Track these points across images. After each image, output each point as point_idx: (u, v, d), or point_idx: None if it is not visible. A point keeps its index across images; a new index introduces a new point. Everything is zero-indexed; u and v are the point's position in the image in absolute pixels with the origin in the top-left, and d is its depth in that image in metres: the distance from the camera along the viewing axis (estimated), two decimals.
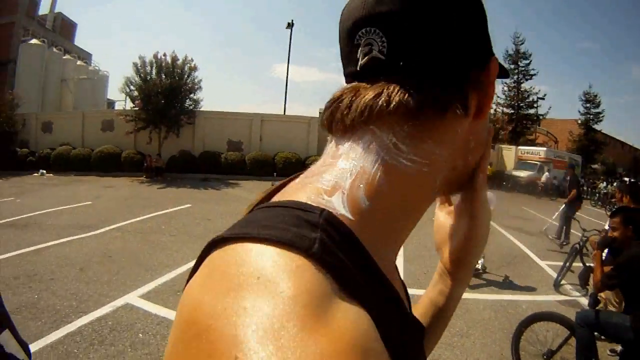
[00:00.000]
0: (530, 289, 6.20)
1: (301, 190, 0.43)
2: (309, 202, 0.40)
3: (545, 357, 3.75)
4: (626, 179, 27.36)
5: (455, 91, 0.46)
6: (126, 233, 8.27)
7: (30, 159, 20.61)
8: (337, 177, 0.42)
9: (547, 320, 3.84)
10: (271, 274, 0.32)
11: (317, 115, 22.62)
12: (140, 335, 4.18)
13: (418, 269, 6.79)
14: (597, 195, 19.77)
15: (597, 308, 3.53)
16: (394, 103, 0.42)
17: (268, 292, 0.30)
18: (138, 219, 9.83)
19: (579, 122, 37.63)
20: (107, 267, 6.16)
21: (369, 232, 0.41)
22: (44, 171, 19.28)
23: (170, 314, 4.62)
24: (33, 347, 3.76)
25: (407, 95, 0.42)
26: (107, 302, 4.88)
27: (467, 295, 5.67)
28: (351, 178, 0.42)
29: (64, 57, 30.93)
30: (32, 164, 20.17)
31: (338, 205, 0.40)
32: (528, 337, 3.87)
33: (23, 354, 0.83)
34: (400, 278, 0.57)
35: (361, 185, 0.42)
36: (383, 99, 0.43)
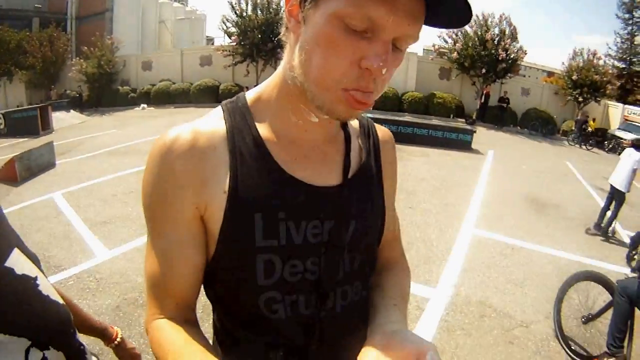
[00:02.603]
0: (603, 255, 5.69)
1: None
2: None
3: (583, 320, 3.57)
4: None
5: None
6: None
7: (131, 95, 22.15)
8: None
9: (592, 281, 3.60)
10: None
11: (416, 52, 21.65)
12: None
13: (492, 213, 6.73)
14: None
15: None
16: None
17: None
18: None
19: None
20: None
21: (256, 105, 0.73)
22: (145, 105, 20.76)
23: None
24: (120, 250, 4.39)
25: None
26: None
27: (532, 246, 5.52)
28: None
29: (160, 1, 31.95)
30: (133, 100, 21.76)
31: (249, 91, 0.76)
32: (572, 296, 3.70)
33: (35, 269, 0.80)
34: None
35: (263, 83, 0.74)
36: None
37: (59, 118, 16.41)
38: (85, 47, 22.23)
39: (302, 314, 0.70)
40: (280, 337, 0.71)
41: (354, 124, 0.83)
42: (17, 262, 0.75)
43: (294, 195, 0.67)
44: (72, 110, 19.83)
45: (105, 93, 22.43)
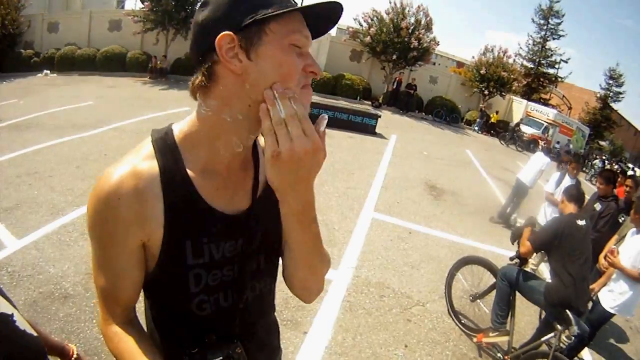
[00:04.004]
0: (495, 240, 6.39)
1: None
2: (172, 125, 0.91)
3: (471, 298, 4.08)
4: (631, 165, 26.46)
5: (203, 69, 0.80)
6: (123, 133, 8.62)
7: (34, 59, 20.31)
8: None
9: (478, 265, 4.10)
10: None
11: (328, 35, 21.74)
12: None
13: (392, 197, 7.22)
14: (593, 171, 19.26)
15: (522, 267, 3.64)
16: (195, 84, 0.83)
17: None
18: (136, 119, 10.11)
19: (598, 95, 36.27)
20: (102, 164, 6.53)
21: (184, 142, 0.86)
22: (48, 71, 19.11)
23: None
24: (30, 238, 4.23)
25: (195, 79, 0.82)
26: None
27: (429, 231, 6.02)
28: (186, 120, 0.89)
29: None
30: (36, 65, 19.97)
31: (175, 127, 0.89)
32: (461, 278, 4.19)
33: (10, 306, 0.84)
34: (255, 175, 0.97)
35: (187, 121, 0.88)
36: (195, 82, 0.83)
37: None
38: None
39: (223, 307, 0.93)
40: (210, 326, 0.93)
41: (262, 142, 1.03)
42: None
43: (214, 224, 0.87)
44: None
45: (7, 57, 20.26)
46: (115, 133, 8.58)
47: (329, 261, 1.04)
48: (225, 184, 0.89)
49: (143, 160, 0.83)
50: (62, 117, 9.88)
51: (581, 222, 3.37)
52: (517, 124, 20.59)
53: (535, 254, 3.82)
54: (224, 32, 0.75)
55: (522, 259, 3.60)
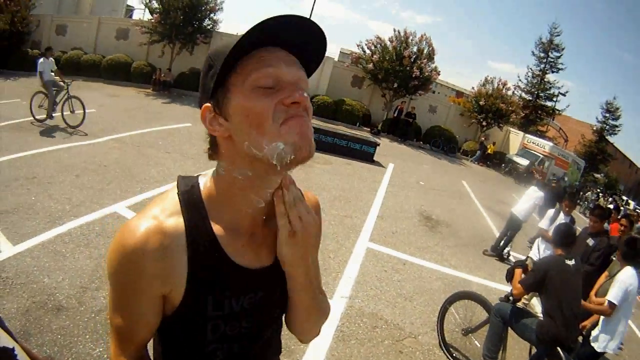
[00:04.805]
0: (487, 274, 6.43)
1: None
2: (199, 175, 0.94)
3: (463, 332, 4.15)
4: (625, 197, 26.74)
5: (208, 139, 0.88)
6: (124, 144, 8.59)
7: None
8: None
9: (471, 300, 4.17)
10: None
11: (333, 56, 21.98)
12: None
13: (387, 227, 7.23)
14: (586, 204, 19.43)
15: (516, 304, 3.77)
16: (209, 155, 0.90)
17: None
18: (137, 131, 10.09)
19: (594, 128, 36.68)
20: (101, 176, 6.55)
21: (209, 199, 0.87)
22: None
23: None
24: (25, 245, 4.20)
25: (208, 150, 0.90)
26: (97, 209, 5.30)
27: (423, 263, 6.03)
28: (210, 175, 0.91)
29: None
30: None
31: (201, 181, 0.91)
32: (455, 311, 4.24)
33: (11, 340, 0.84)
34: (272, 228, 0.93)
35: (211, 177, 0.90)
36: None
37: None
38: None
39: (235, 353, 0.93)
40: None
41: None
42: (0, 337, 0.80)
43: (238, 280, 0.88)
44: None
45: (13, 54, 20.36)
46: (115, 144, 8.56)
47: (329, 311, 1.10)
48: (250, 240, 0.90)
49: (169, 216, 0.83)
50: (64, 122, 9.83)
51: (570, 262, 3.45)
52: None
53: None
54: (204, 105, 0.83)
55: (515, 299, 3.71)
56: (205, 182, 0.90)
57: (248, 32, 0.72)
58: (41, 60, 9.92)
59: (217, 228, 0.86)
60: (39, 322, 3.18)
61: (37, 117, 9.77)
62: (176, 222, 0.83)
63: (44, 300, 3.43)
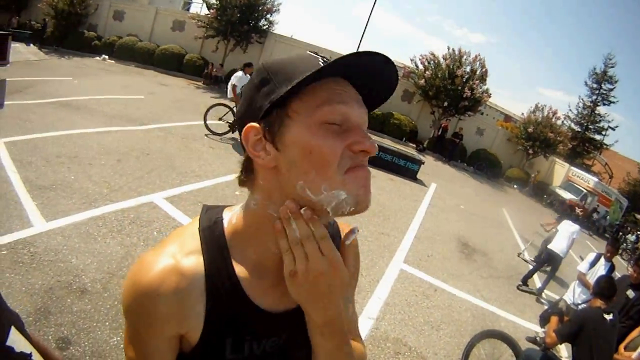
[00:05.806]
0: (518, 310, 6.11)
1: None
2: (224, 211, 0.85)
3: None
4: None
5: (242, 163, 0.78)
6: (169, 135, 8.59)
7: (95, 42, 21.05)
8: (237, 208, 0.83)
9: (499, 339, 3.99)
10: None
11: None
12: (155, 233, 4.49)
13: (423, 250, 6.94)
14: (625, 245, 18.21)
15: (546, 351, 3.67)
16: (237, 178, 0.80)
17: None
18: (184, 123, 10.13)
19: None
20: (142, 163, 6.51)
21: (233, 237, 0.79)
22: (106, 57, 19.78)
23: (186, 220, 4.89)
24: (58, 223, 4.16)
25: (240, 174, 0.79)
26: (134, 196, 5.22)
27: (454, 291, 5.75)
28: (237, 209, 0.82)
29: None
30: (96, 48, 20.69)
31: (225, 216, 0.82)
32: (480, 349, 4.00)
33: (29, 345, 0.85)
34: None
35: (238, 212, 0.80)
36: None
37: (16, 50, 15.11)
38: None
39: None
40: None
41: None
42: (15, 340, 0.79)
43: (259, 323, 0.79)
44: (31, 45, 18.54)
45: (70, 34, 21.17)
46: (160, 133, 8.56)
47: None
48: (275, 282, 0.80)
49: (187, 255, 0.76)
50: (112, 106, 9.97)
51: (608, 317, 3.37)
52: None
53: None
54: (248, 124, 0.72)
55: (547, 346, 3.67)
56: (230, 218, 0.82)
57: (330, 65, 0.66)
58: (239, 74, 9.77)
59: (239, 269, 0.78)
60: (61, 301, 3.11)
61: (215, 131, 9.84)
62: (195, 262, 0.76)
63: (69, 280, 3.35)
